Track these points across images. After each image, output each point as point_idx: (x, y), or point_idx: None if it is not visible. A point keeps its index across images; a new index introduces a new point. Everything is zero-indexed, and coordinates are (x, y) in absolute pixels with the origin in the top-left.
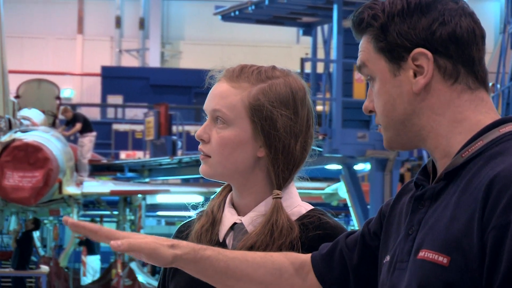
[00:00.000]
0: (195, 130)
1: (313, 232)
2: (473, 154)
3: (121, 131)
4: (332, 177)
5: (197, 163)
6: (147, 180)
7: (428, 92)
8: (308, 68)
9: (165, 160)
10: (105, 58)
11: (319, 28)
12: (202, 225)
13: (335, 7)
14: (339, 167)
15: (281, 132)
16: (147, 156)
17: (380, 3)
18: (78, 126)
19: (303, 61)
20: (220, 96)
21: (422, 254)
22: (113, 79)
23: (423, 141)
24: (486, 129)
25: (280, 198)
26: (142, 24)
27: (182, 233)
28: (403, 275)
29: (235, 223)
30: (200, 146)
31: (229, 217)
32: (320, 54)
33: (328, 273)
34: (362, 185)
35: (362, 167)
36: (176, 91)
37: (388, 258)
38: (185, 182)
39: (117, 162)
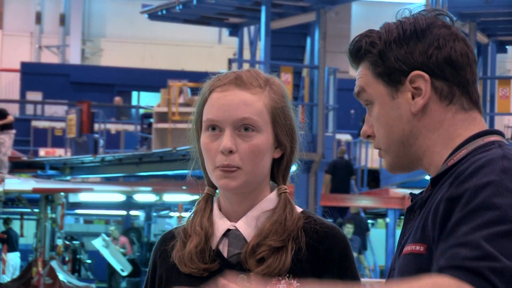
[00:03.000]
0: (116, 128)
1: (313, 226)
2: (457, 161)
3: (40, 128)
4: None
5: (119, 162)
6: (68, 178)
7: (425, 113)
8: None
9: (88, 158)
10: (24, 54)
11: (245, 29)
12: (195, 245)
13: (263, 8)
14: None
15: (295, 130)
16: (68, 153)
17: (375, 31)
18: (10, 118)
19: (230, 61)
20: (245, 103)
21: (405, 250)
22: (33, 75)
23: (420, 161)
24: (470, 139)
25: (287, 192)
26: (62, 20)
27: (167, 245)
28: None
29: (228, 230)
30: (228, 162)
31: (221, 225)
32: (246, 55)
33: None
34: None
35: None
36: (96, 88)
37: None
38: (106, 180)
39: (38, 159)
